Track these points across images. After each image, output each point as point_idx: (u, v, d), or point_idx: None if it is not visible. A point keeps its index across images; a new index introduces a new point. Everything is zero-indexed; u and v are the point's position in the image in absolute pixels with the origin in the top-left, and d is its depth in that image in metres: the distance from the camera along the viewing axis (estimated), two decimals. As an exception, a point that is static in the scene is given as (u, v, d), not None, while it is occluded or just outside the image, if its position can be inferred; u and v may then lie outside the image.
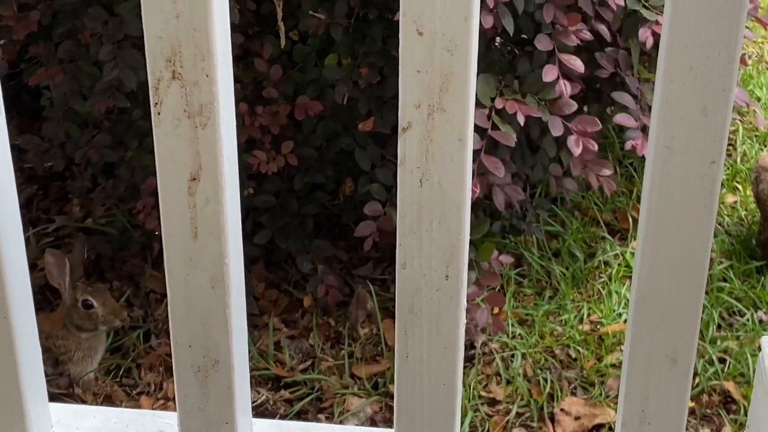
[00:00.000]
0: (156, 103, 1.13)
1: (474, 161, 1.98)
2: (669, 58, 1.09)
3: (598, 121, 2.22)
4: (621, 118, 2.28)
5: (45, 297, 2.48)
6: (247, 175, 2.36)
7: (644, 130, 2.31)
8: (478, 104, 2.09)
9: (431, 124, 1.12)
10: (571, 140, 2.19)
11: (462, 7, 1.07)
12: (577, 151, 2.18)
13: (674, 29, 1.07)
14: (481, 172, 2.17)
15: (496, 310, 2.44)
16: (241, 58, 2.33)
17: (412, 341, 1.24)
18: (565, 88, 2.19)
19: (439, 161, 1.14)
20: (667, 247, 1.18)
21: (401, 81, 1.12)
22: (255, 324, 2.45)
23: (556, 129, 2.19)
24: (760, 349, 2.38)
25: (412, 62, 1.10)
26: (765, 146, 3.16)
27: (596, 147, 2.20)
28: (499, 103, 2.17)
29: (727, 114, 1.10)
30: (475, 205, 2.36)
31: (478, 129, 2.07)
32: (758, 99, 3.35)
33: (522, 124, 2.16)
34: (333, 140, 2.45)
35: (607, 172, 2.28)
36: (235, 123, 1.18)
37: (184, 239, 1.19)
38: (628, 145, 2.27)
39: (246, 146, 2.33)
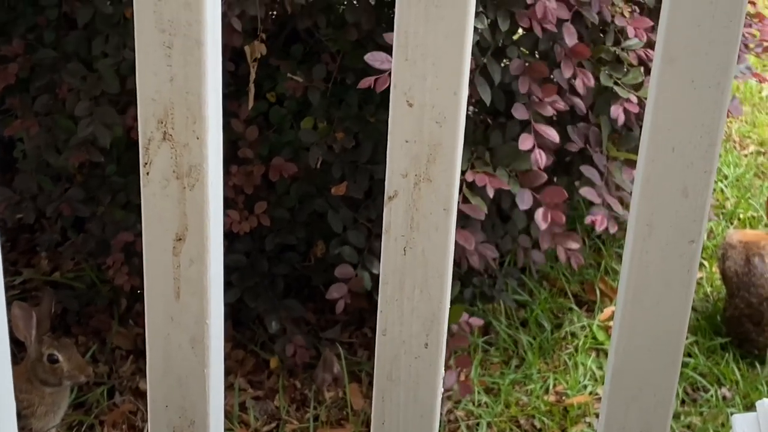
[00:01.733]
0: (146, 163, 1.14)
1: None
2: (652, 139, 1.11)
3: (565, 192, 2.25)
4: (585, 191, 2.31)
5: (10, 349, 2.45)
6: (219, 234, 2.36)
7: (608, 207, 2.33)
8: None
9: (417, 193, 1.14)
10: (539, 213, 2.21)
11: (452, 82, 1.09)
12: (543, 225, 2.20)
13: (658, 111, 1.10)
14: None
15: (463, 375, 2.44)
16: (218, 117, 2.34)
17: (390, 408, 1.24)
18: (540, 157, 2.21)
19: (424, 230, 1.15)
20: (644, 323, 1.19)
21: (389, 150, 1.13)
22: (220, 384, 2.44)
23: (524, 202, 2.22)
24: (723, 425, 2.40)
25: (401, 132, 1.12)
26: (731, 223, 3.20)
27: (563, 219, 2.22)
28: (469, 176, 2.19)
29: (708, 195, 1.12)
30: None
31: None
32: (725, 177, 3.40)
33: (491, 197, 2.18)
34: (306, 202, 2.46)
35: (575, 245, 2.30)
36: (222, 185, 1.19)
37: (167, 298, 1.20)
38: (587, 220, 2.30)
39: (219, 205, 2.34)
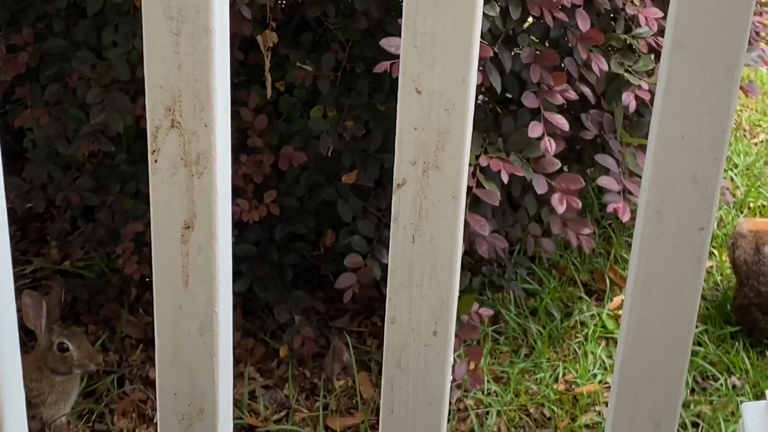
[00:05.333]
0: (153, 151, 1.14)
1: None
2: (661, 126, 1.11)
3: (581, 179, 2.24)
4: (604, 181, 2.30)
5: (20, 338, 2.45)
6: (229, 223, 2.36)
7: (629, 193, 2.32)
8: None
9: (426, 181, 1.14)
10: (555, 198, 2.20)
11: (461, 69, 1.09)
12: (561, 209, 2.19)
13: (668, 98, 1.09)
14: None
15: (473, 365, 2.44)
16: (228, 106, 2.34)
17: (398, 396, 1.24)
18: (550, 145, 2.20)
19: (432, 218, 1.15)
20: (653, 311, 1.19)
21: (398, 137, 1.13)
22: (230, 372, 2.44)
23: (540, 187, 2.20)
24: (733, 414, 2.40)
25: (410, 119, 1.12)
26: (741, 213, 3.19)
27: (579, 204, 2.21)
28: (483, 161, 2.18)
29: (717, 182, 1.12)
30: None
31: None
32: (735, 165, 3.39)
33: (506, 182, 2.17)
34: (315, 191, 2.46)
35: (587, 230, 2.30)
36: (230, 173, 1.19)
37: (175, 286, 1.20)
38: (609, 209, 2.29)
39: (229, 194, 2.34)
